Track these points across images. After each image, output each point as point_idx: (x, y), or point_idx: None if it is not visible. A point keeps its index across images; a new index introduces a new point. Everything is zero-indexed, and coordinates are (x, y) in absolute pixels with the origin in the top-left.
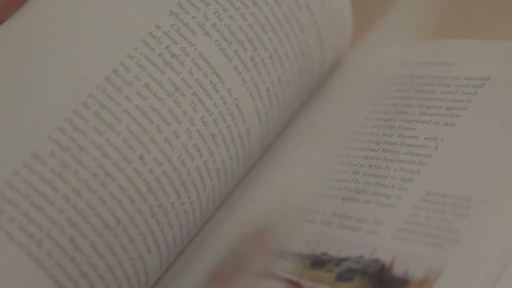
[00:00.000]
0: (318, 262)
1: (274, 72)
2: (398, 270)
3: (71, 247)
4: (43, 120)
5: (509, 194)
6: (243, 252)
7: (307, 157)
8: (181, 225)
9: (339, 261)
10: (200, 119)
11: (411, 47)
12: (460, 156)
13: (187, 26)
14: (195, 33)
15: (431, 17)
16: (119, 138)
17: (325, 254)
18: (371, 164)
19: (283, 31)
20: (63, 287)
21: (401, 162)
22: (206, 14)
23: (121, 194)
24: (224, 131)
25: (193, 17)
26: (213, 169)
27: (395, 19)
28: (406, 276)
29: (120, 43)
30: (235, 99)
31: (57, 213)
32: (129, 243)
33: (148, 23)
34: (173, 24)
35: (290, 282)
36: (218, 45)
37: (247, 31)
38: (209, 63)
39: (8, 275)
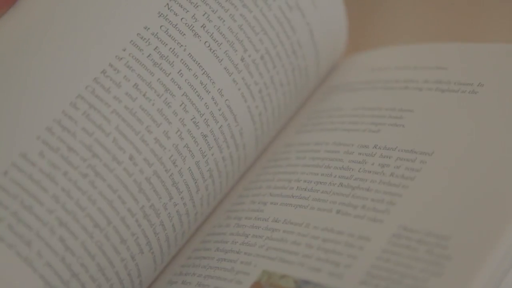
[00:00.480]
0: None
1: (266, 73)
2: None
3: (62, 248)
4: (32, 121)
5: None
6: None
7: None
8: (174, 227)
9: None
10: (191, 119)
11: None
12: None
13: (176, 27)
14: (184, 34)
15: (428, 20)
16: (109, 138)
17: None
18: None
19: (274, 32)
20: (54, 287)
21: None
22: (195, 16)
23: (111, 194)
24: (216, 131)
25: (182, 18)
26: (206, 170)
27: (394, 22)
28: None
29: (109, 44)
30: (227, 100)
31: (47, 213)
32: (120, 244)
33: (137, 24)
34: (161, 26)
35: None
36: (208, 46)
37: (237, 32)
38: (199, 64)
39: None
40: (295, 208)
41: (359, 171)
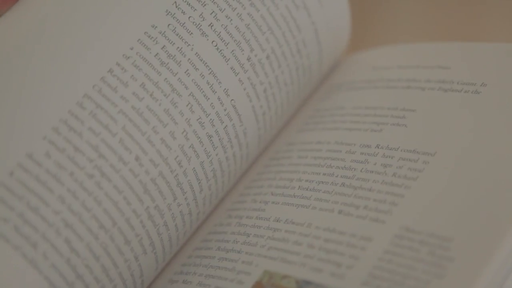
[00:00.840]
0: None
1: (271, 72)
2: None
3: (67, 249)
4: (38, 121)
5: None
6: None
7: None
8: (177, 227)
9: None
10: (197, 120)
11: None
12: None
13: (184, 26)
14: (191, 33)
15: (429, 19)
16: (115, 138)
17: None
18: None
19: (281, 31)
20: None
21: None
22: (202, 14)
23: (117, 195)
24: (221, 132)
25: (189, 17)
26: (209, 170)
27: (393, 22)
28: None
29: (116, 43)
30: (232, 99)
31: (53, 214)
32: (124, 245)
33: (144, 23)
34: (169, 24)
35: None
36: (215, 46)
37: (244, 32)
38: (206, 63)
39: (3, 277)
40: (296, 207)
41: (361, 171)
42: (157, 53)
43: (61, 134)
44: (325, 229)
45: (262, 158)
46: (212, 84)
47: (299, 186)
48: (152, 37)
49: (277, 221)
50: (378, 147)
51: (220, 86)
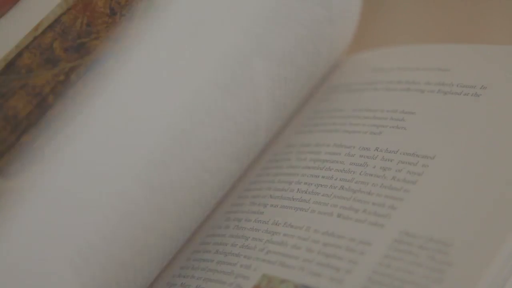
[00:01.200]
0: None
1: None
2: None
3: None
4: None
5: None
6: None
7: None
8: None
9: None
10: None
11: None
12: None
13: None
14: None
15: (429, 20)
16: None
17: None
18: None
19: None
20: None
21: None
22: None
23: None
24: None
25: None
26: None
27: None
28: None
29: None
30: None
31: None
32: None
33: None
34: None
35: None
36: None
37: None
38: None
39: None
40: (295, 211)
41: (360, 174)
42: None
43: None
44: (324, 233)
45: (261, 160)
46: None
47: (298, 189)
48: None
49: (276, 224)
50: (377, 150)
51: None
